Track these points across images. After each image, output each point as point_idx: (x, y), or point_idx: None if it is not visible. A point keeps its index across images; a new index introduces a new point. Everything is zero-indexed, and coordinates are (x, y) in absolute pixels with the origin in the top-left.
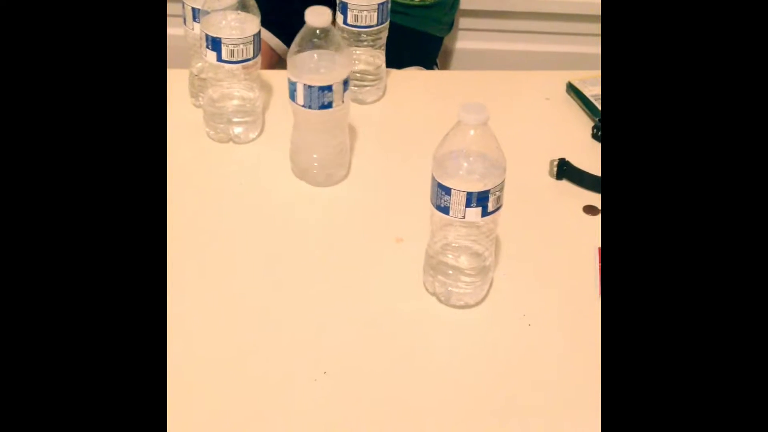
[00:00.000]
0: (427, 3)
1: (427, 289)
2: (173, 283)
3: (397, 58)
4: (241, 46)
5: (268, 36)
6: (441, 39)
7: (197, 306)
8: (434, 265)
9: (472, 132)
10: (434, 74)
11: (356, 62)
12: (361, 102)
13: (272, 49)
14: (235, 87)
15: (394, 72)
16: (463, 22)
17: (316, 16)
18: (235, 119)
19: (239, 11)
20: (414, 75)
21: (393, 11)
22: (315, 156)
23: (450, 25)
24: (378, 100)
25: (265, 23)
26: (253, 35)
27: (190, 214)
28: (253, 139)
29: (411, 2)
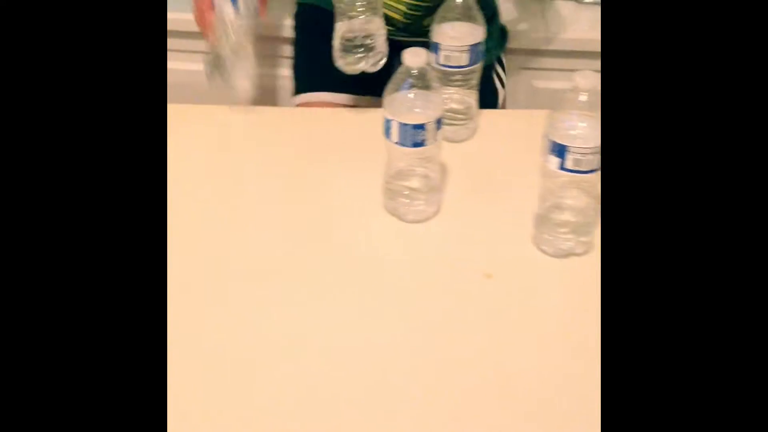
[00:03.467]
0: None
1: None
2: (268, 312)
3: None
4: None
5: (333, 97)
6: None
7: (275, 332)
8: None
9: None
10: (525, 113)
11: (447, 101)
12: (450, 140)
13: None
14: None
15: (486, 112)
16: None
17: (413, 57)
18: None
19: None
20: (505, 114)
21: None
22: (406, 193)
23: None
24: (468, 138)
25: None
26: None
27: (278, 246)
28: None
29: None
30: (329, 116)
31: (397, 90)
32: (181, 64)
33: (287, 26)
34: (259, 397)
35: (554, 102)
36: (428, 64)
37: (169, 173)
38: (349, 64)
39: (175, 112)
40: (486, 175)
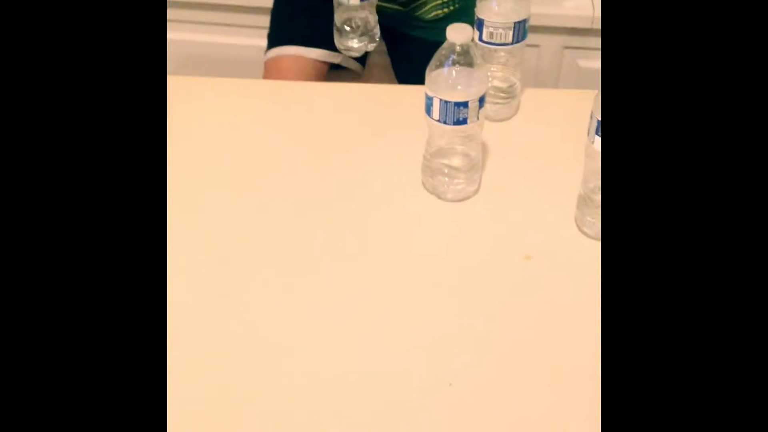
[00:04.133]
0: (440, 16)
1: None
2: (288, 287)
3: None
4: None
5: (306, 51)
6: None
7: (318, 312)
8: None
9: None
10: (569, 93)
11: (490, 79)
12: (492, 119)
13: (316, 61)
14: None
15: (529, 90)
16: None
17: (457, 33)
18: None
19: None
20: (549, 93)
21: (415, 26)
22: (446, 171)
23: None
24: (510, 117)
25: (299, 42)
26: None
27: (314, 225)
28: None
29: (427, 17)
30: (365, 92)
31: (439, 66)
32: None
33: None
34: (288, 391)
35: (596, 82)
36: (472, 40)
37: (190, 145)
38: (347, 47)
39: (196, 84)
40: (528, 154)
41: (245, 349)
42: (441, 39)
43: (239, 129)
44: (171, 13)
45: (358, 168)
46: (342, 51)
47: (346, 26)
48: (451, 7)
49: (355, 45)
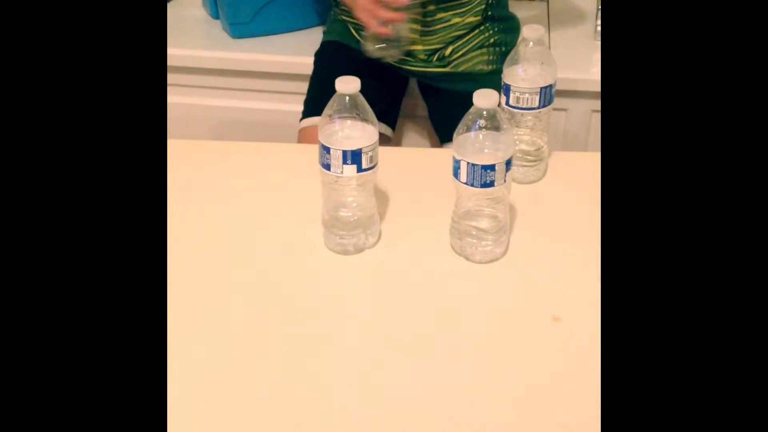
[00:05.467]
0: (486, 71)
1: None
2: (317, 346)
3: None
4: None
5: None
6: None
7: (341, 372)
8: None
9: None
10: (595, 156)
11: (517, 142)
12: (520, 182)
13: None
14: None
15: (556, 153)
16: None
17: (484, 98)
18: None
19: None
20: (576, 156)
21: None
22: (474, 233)
23: None
24: (538, 180)
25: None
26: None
27: (347, 283)
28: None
29: (473, 69)
30: (393, 155)
31: (467, 130)
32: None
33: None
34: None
35: None
36: (499, 105)
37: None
38: (374, 50)
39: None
40: (556, 217)
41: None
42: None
43: (265, 191)
44: (204, 80)
45: (386, 230)
46: (367, 53)
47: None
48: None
49: (382, 53)
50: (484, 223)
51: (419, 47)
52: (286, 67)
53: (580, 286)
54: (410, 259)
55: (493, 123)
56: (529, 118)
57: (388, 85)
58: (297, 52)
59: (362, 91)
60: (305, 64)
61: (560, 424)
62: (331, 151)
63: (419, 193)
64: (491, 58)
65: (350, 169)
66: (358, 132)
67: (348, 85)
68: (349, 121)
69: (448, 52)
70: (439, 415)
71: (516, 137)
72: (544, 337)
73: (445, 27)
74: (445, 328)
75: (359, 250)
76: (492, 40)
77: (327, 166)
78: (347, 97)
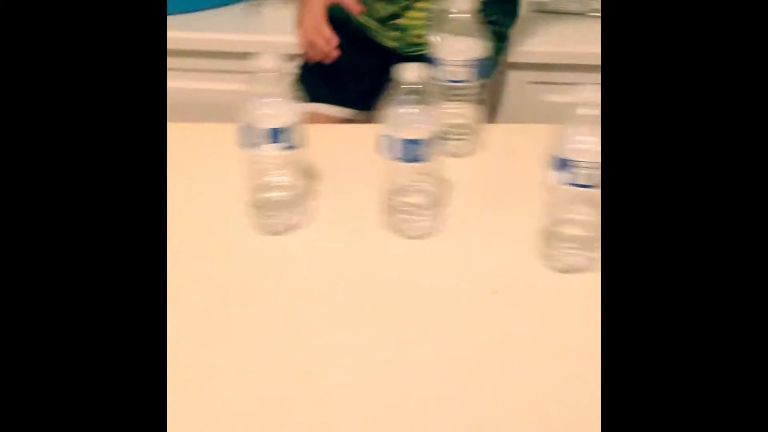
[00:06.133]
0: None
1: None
2: (254, 330)
3: None
4: None
5: (329, 108)
6: None
7: (282, 355)
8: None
9: None
10: (528, 128)
11: (449, 116)
12: (453, 155)
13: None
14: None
15: (490, 126)
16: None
17: (409, 73)
18: None
19: None
20: (508, 129)
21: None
22: (408, 209)
23: None
24: (471, 153)
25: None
26: None
27: (279, 264)
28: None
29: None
30: (322, 132)
31: (394, 105)
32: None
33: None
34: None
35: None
36: (425, 78)
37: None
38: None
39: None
40: (490, 189)
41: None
42: None
43: (189, 173)
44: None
45: (318, 209)
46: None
47: None
48: None
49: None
50: (417, 199)
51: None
52: (209, 44)
53: (517, 259)
54: (343, 237)
55: (420, 97)
56: (461, 91)
57: (371, 63)
58: (217, 29)
59: (346, 66)
60: (229, 41)
61: (496, 393)
62: (254, 129)
63: (351, 170)
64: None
65: (274, 148)
66: (282, 110)
67: (266, 62)
68: (270, 99)
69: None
70: (378, 391)
71: (448, 111)
72: (482, 310)
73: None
74: (382, 305)
75: (289, 229)
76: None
77: (250, 145)
78: (267, 74)
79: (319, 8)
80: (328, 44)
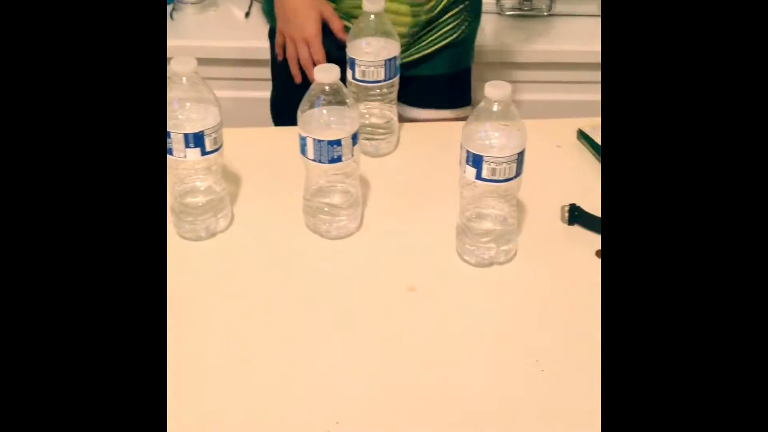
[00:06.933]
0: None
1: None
2: (178, 338)
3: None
4: None
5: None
6: None
7: (206, 361)
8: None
9: None
10: (448, 125)
11: (367, 116)
12: (373, 155)
13: None
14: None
15: (407, 125)
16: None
17: (324, 74)
18: None
19: None
20: (426, 127)
21: None
22: (327, 209)
23: None
24: (391, 152)
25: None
26: None
27: (201, 269)
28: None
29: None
30: (242, 136)
31: (311, 107)
32: None
33: None
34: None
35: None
36: (340, 79)
37: None
38: None
39: None
40: (408, 188)
41: None
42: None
43: None
44: None
45: (239, 213)
46: None
47: None
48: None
49: None
50: (336, 199)
51: None
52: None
53: (435, 255)
54: (264, 240)
55: (336, 98)
56: (377, 91)
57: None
58: None
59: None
60: None
61: (416, 391)
62: (172, 135)
63: (270, 173)
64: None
65: (193, 153)
66: (201, 114)
67: (182, 66)
68: (188, 104)
69: None
70: (298, 399)
71: (365, 111)
72: (400, 307)
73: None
74: (304, 306)
75: (211, 234)
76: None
77: (170, 151)
78: (183, 78)
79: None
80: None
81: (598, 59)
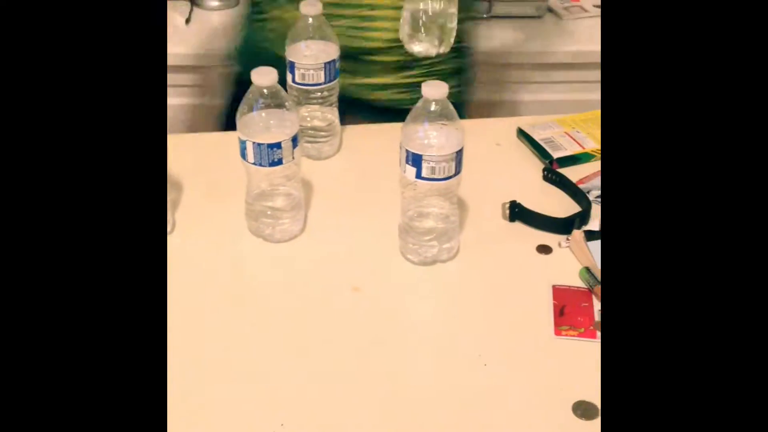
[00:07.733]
0: None
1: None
2: None
3: None
4: None
5: None
6: None
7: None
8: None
9: None
10: (388, 127)
11: (309, 119)
12: (316, 158)
13: None
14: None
15: (350, 127)
16: None
17: (262, 76)
18: None
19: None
20: (368, 128)
21: None
22: (269, 213)
23: None
24: (333, 155)
25: None
26: None
27: None
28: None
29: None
30: (181, 142)
31: (249, 110)
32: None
33: None
34: None
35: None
36: (279, 82)
37: None
38: (419, 47)
39: None
40: (351, 189)
41: None
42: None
43: None
44: None
45: (180, 219)
46: (413, 52)
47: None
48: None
49: (430, 50)
50: (278, 202)
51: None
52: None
53: (379, 255)
54: (207, 246)
55: (275, 100)
56: (317, 94)
57: None
58: None
59: None
60: None
61: (363, 389)
62: None
63: (211, 179)
64: None
65: None
66: None
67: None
68: None
69: None
70: (244, 394)
71: (307, 114)
72: (346, 308)
73: None
74: (248, 310)
75: None
76: None
77: None
78: None
79: None
80: None
81: (542, 59)
